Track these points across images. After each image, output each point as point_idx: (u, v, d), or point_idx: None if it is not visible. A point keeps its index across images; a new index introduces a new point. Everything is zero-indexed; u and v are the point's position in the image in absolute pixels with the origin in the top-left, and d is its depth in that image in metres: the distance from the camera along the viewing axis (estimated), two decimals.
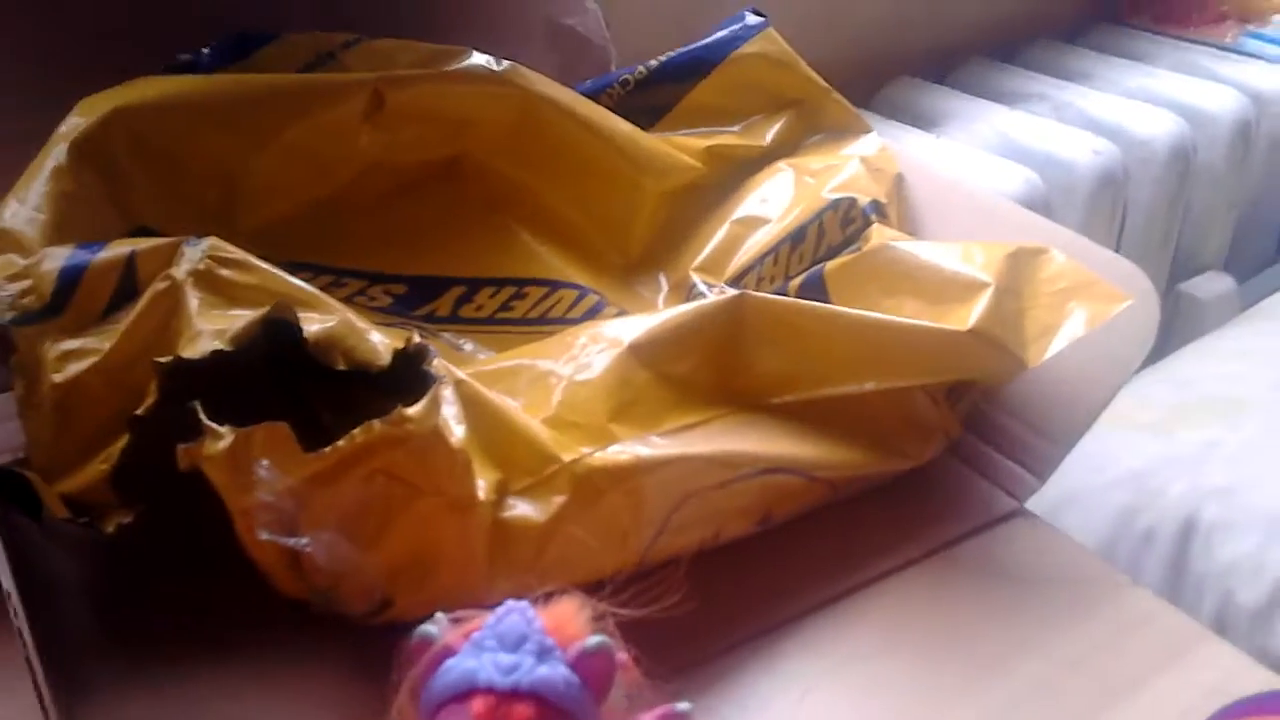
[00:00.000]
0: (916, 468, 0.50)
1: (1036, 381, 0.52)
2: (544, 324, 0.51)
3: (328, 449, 0.32)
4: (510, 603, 0.27)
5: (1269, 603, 0.71)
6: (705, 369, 0.45)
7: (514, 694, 0.24)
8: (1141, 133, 1.16)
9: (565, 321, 0.51)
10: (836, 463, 0.46)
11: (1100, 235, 1.12)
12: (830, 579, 0.46)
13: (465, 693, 0.24)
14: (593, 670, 0.25)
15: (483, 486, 0.36)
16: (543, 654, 0.25)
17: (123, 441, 0.37)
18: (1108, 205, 1.13)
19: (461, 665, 0.25)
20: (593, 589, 0.30)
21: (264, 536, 0.32)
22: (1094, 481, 0.80)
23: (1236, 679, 0.43)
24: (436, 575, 0.36)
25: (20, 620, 0.28)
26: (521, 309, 0.51)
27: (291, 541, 0.32)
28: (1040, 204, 1.04)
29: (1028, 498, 0.52)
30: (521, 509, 0.37)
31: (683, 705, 0.27)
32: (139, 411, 0.36)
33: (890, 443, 0.48)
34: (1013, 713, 0.42)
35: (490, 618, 0.26)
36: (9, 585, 0.28)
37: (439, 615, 0.27)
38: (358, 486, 0.33)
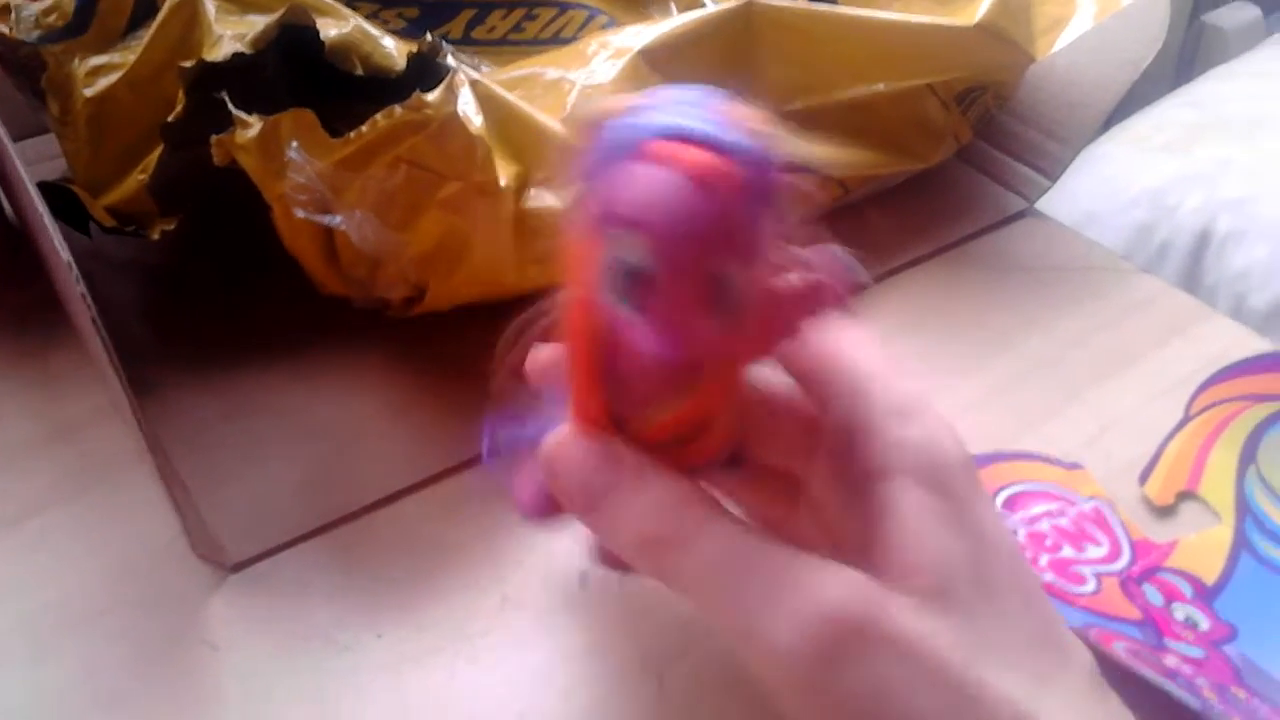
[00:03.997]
0: (926, 171, 0.51)
1: (1045, 86, 0.52)
2: (555, 44, 0.51)
3: (352, 134, 0.33)
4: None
5: (1279, 306, 0.72)
6: (716, 77, 0.46)
7: (689, 137, 0.19)
8: None
9: (575, 42, 0.51)
10: (847, 162, 0.47)
11: None
12: None
13: (635, 145, 0.19)
14: (769, 159, 0.20)
15: (504, 177, 0.37)
16: (721, 123, 0.20)
17: (157, 151, 0.39)
18: None
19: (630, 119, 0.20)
20: None
21: (300, 214, 0.33)
22: (1111, 203, 0.81)
23: (1233, 349, 0.45)
24: (466, 261, 0.38)
25: (97, 322, 0.30)
26: (532, 30, 0.51)
27: (325, 219, 0.33)
28: None
29: (1038, 198, 0.53)
30: (544, 198, 0.38)
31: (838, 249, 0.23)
32: (169, 119, 0.37)
33: (900, 145, 0.49)
34: (1016, 384, 0.44)
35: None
36: (83, 287, 0.30)
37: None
38: (383, 174, 0.34)
